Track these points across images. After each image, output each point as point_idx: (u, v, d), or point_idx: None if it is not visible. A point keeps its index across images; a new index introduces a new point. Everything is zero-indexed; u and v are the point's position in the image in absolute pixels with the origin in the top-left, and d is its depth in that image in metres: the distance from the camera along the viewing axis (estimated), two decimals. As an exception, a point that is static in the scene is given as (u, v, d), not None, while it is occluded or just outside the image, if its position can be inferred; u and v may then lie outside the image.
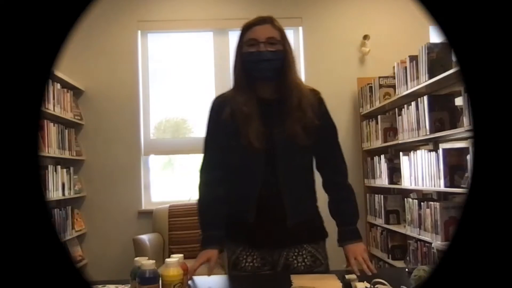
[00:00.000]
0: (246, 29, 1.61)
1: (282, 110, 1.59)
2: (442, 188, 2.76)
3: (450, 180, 2.70)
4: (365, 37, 4.37)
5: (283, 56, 1.58)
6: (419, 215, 3.07)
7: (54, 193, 3.51)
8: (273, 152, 1.59)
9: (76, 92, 4.21)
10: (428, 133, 2.91)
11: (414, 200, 3.17)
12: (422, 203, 3.03)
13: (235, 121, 1.58)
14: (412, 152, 3.19)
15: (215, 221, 1.65)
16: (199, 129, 4.57)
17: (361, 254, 1.58)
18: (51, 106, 3.50)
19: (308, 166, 1.69)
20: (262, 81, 1.61)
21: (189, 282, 1.46)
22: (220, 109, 1.64)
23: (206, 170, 1.70)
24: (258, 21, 1.60)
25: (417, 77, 3.05)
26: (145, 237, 3.73)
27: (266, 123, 1.59)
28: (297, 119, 1.57)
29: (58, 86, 3.70)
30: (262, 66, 1.56)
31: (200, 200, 1.69)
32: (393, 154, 3.75)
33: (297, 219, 1.61)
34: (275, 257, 1.65)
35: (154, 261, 1.21)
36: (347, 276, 1.32)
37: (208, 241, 1.63)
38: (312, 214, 1.70)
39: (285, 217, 1.60)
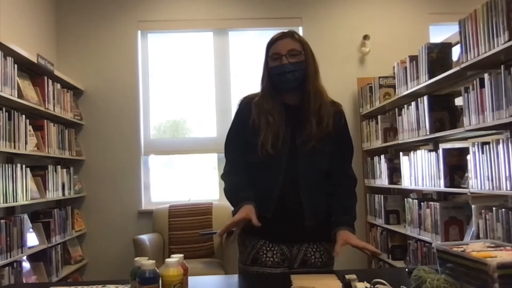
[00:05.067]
0: (269, 44, 1.72)
1: (304, 115, 1.67)
2: (442, 188, 2.76)
3: (450, 180, 2.71)
4: (365, 37, 4.37)
5: (305, 66, 1.68)
6: (419, 215, 3.07)
7: (54, 193, 3.50)
8: (295, 154, 1.66)
9: (76, 92, 4.21)
10: (428, 133, 2.91)
11: (414, 200, 3.17)
12: (422, 203, 3.03)
13: (259, 126, 1.67)
14: (412, 152, 3.19)
15: (245, 189, 1.67)
16: (199, 129, 4.57)
17: (358, 241, 1.59)
18: (51, 106, 3.50)
19: (326, 170, 1.72)
20: (287, 90, 1.71)
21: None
22: (246, 110, 1.73)
23: (229, 173, 1.73)
24: (279, 36, 1.70)
25: (417, 77, 3.05)
26: (145, 237, 3.73)
27: (289, 127, 1.68)
28: (316, 125, 1.65)
29: (58, 86, 3.70)
30: (285, 78, 1.66)
31: (226, 188, 1.73)
32: (393, 154, 3.75)
33: (314, 220, 1.65)
34: (294, 252, 1.68)
35: (154, 261, 1.21)
36: (347, 276, 1.32)
37: (244, 199, 1.63)
38: (329, 215, 1.71)
39: (303, 218, 1.64)
